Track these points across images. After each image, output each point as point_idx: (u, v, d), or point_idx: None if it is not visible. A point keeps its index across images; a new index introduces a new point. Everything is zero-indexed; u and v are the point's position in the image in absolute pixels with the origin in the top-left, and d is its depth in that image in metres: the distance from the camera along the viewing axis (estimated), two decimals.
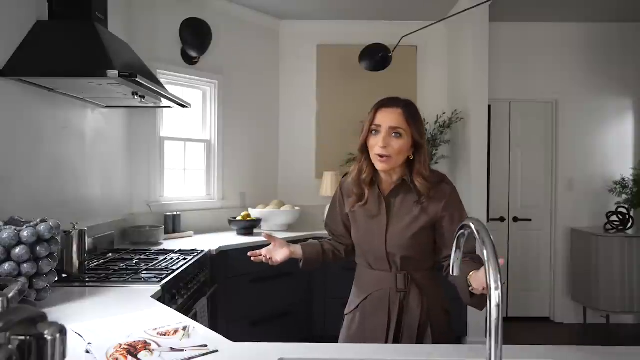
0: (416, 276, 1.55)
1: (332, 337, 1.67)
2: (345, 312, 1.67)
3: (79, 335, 1.26)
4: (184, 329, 1.31)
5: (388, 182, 1.57)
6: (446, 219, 1.51)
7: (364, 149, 1.54)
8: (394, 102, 1.52)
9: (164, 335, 1.27)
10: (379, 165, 1.50)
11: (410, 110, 1.50)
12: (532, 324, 4.28)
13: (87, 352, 1.16)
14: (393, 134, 1.47)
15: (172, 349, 1.17)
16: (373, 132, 1.50)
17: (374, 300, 1.56)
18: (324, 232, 1.87)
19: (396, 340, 1.52)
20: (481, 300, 1.37)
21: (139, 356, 1.12)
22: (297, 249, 1.69)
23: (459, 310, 3.64)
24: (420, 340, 1.51)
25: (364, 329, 1.57)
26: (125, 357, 1.11)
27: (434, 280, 1.59)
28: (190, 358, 1.14)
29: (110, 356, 1.12)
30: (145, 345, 1.18)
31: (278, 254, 1.66)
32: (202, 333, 1.31)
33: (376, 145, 1.48)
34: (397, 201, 1.54)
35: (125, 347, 1.16)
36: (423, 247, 1.54)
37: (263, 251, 1.68)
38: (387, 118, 1.48)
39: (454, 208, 1.52)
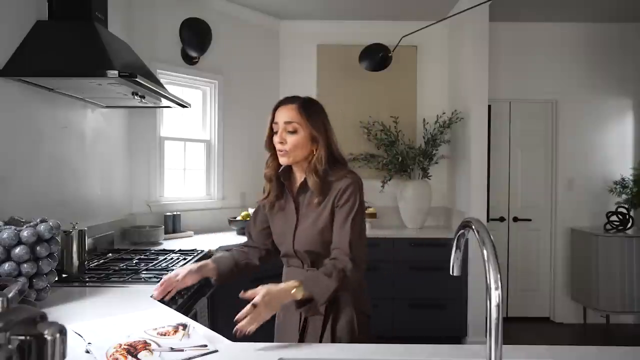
0: None
1: None
2: None
3: (79, 335, 1.26)
4: (184, 329, 1.31)
5: (296, 182, 1.61)
6: (337, 210, 1.51)
7: (270, 147, 1.59)
8: (291, 99, 1.57)
9: (164, 335, 1.27)
10: (280, 159, 1.55)
11: (305, 105, 1.54)
12: (532, 324, 4.28)
13: (87, 352, 1.16)
14: (289, 130, 1.51)
15: (172, 349, 1.17)
16: (275, 130, 1.55)
17: None
18: None
19: (302, 338, 1.53)
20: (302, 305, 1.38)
21: (139, 356, 1.12)
22: (208, 269, 1.62)
23: (459, 311, 3.64)
24: (322, 338, 1.50)
25: (285, 325, 1.61)
26: (125, 357, 1.11)
27: None
28: (190, 358, 1.14)
29: (110, 356, 1.12)
30: (145, 345, 1.18)
31: (188, 280, 1.59)
32: (202, 333, 1.31)
33: (276, 142, 1.54)
34: (304, 200, 1.58)
35: (125, 347, 1.16)
36: (329, 243, 1.53)
37: (164, 286, 1.57)
38: (283, 114, 1.54)
39: (345, 199, 1.50)
